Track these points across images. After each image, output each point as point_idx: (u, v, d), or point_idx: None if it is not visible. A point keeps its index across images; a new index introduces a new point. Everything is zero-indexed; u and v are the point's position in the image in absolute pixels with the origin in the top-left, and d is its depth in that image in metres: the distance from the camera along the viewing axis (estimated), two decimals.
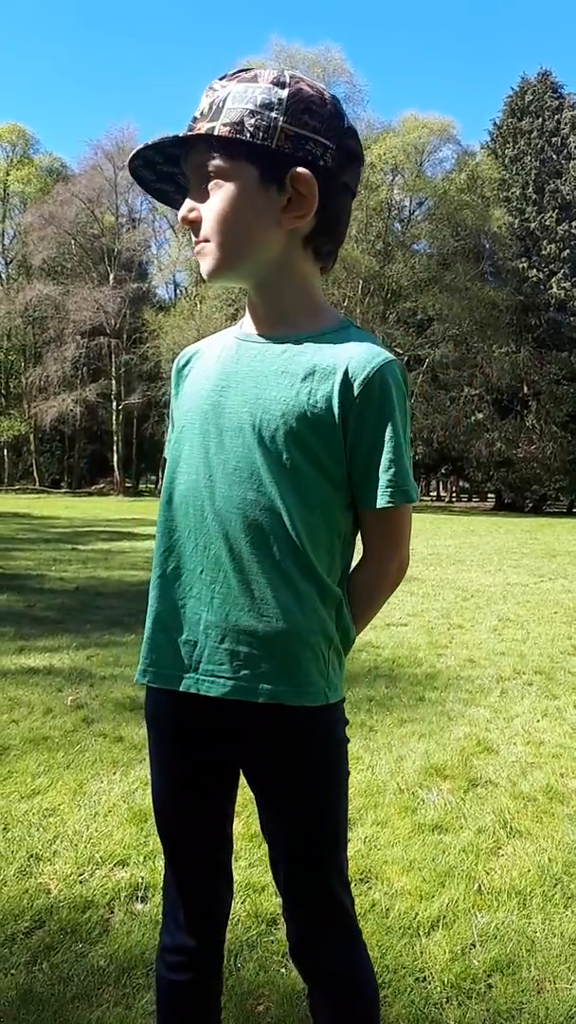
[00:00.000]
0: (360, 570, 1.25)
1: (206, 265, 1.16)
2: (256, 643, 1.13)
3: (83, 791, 2.87)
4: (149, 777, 1.32)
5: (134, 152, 1.14)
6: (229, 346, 1.23)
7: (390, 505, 1.15)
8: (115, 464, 41.10)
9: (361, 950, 1.28)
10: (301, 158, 1.10)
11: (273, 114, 1.08)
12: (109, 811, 2.70)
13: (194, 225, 1.15)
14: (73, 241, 41.53)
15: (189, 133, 1.11)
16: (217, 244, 1.13)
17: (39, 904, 2.13)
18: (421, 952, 1.98)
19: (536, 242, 34.68)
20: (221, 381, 1.18)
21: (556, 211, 34.43)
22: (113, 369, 40.41)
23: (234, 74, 1.13)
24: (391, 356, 1.15)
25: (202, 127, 1.10)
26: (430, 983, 1.87)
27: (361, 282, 33.35)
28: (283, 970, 1.89)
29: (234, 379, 1.17)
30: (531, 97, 36.43)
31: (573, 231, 34.06)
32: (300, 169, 1.10)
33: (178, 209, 1.24)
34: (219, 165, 1.10)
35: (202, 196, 1.13)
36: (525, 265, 34.30)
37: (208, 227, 1.13)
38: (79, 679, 4.42)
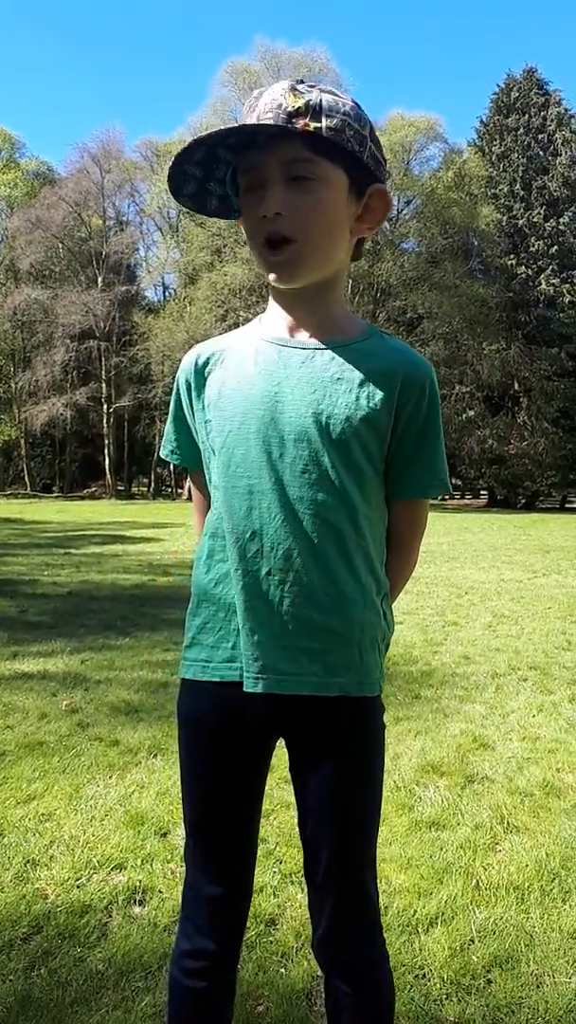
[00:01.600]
0: (390, 560, 1.31)
1: (292, 266, 1.16)
2: (328, 638, 1.18)
3: (79, 795, 2.86)
4: (180, 776, 1.32)
5: (233, 127, 1.08)
6: (265, 350, 1.23)
7: (434, 495, 1.28)
8: (107, 467, 41.02)
9: (383, 945, 1.31)
10: (376, 177, 1.19)
11: (363, 131, 1.14)
12: (106, 815, 2.69)
13: (276, 221, 1.13)
14: (61, 245, 41.37)
15: (299, 127, 1.08)
16: (308, 243, 1.15)
17: (36, 909, 2.13)
18: (420, 949, 1.98)
19: (524, 239, 34.77)
20: (272, 387, 1.19)
21: (544, 207, 34.53)
22: (103, 372, 40.25)
23: (305, 82, 1.12)
24: (430, 364, 1.25)
25: (308, 125, 1.08)
26: (429, 979, 1.87)
27: (350, 281, 33.32)
28: (282, 970, 1.89)
29: (287, 385, 1.19)
30: (517, 94, 36.52)
31: (561, 227, 34.19)
32: (382, 187, 1.20)
33: (192, 205, 1.23)
34: (320, 167, 1.12)
35: (287, 194, 1.12)
36: (514, 262, 34.39)
37: (298, 227, 1.13)
38: (73, 683, 4.41)
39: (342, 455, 1.17)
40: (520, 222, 34.79)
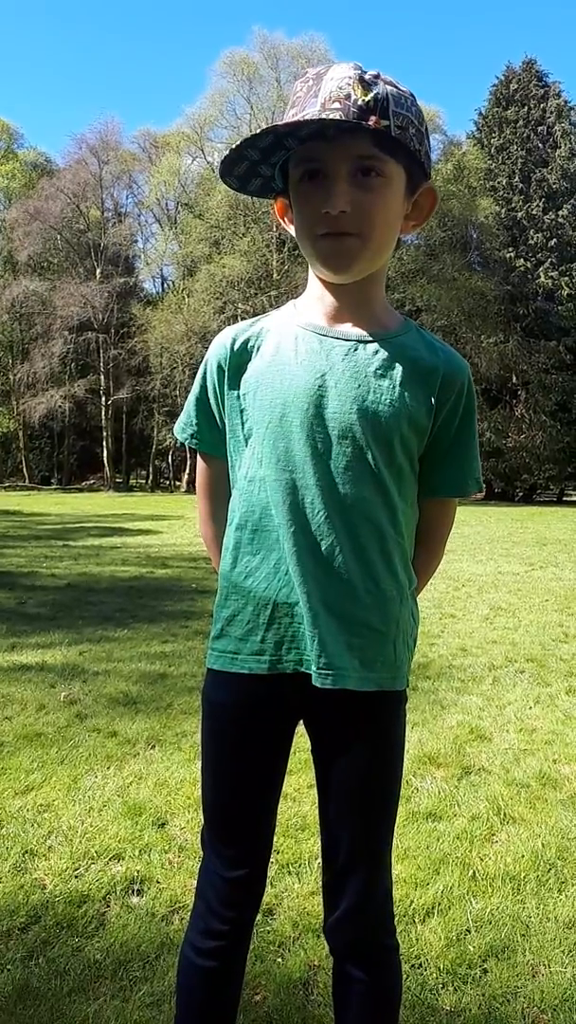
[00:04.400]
0: (418, 556, 1.31)
1: (349, 260, 1.15)
2: (367, 634, 1.19)
3: (77, 786, 2.87)
4: (202, 762, 1.33)
5: (312, 120, 1.05)
6: (306, 339, 1.21)
7: (469, 494, 1.29)
8: (105, 460, 40.95)
9: (395, 933, 1.33)
10: (426, 175, 1.19)
11: (422, 128, 1.14)
12: (104, 806, 2.70)
13: (343, 216, 1.11)
14: (59, 236, 41.18)
15: (371, 125, 1.06)
16: (369, 240, 1.14)
17: (34, 900, 2.13)
18: (417, 939, 1.99)
19: (523, 231, 34.67)
20: (316, 379, 1.18)
21: (543, 200, 34.42)
22: (101, 364, 40.14)
23: (367, 71, 1.09)
24: (467, 362, 1.26)
25: (379, 122, 1.06)
26: (426, 969, 1.88)
27: None
28: (279, 960, 1.90)
29: (331, 378, 1.18)
30: (516, 86, 36.35)
31: (560, 220, 34.07)
32: (431, 185, 1.20)
33: (236, 185, 1.20)
34: (386, 165, 1.11)
35: (353, 191, 1.10)
36: (512, 255, 34.30)
37: (364, 223, 1.12)
38: (72, 675, 4.41)
39: (385, 452, 1.17)
40: (519, 215, 34.69)
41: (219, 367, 1.27)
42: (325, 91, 1.07)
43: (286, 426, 1.18)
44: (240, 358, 1.25)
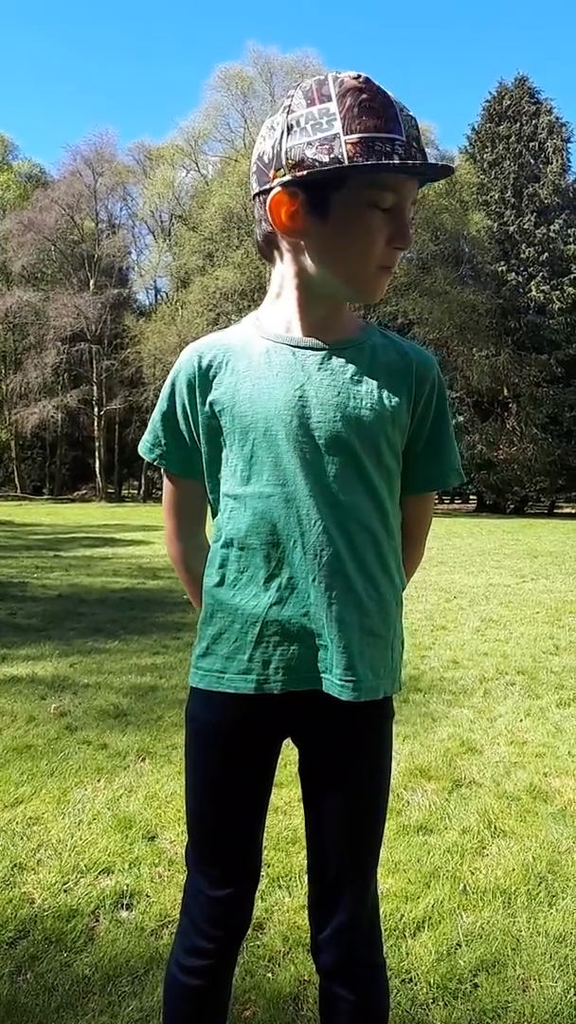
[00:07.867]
0: (404, 553, 1.31)
1: (383, 288, 1.19)
2: (375, 641, 1.19)
3: (67, 799, 2.85)
4: (186, 780, 1.30)
5: (441, 165, 1.07)
6: (279, 352, 1.20)
7: (451, 485, 1.30)
8: (97, 470, 40.95)
9: (382, 950, 1.32)
10: None
11: None
12: (93, 819, 2.68)
13: (399, 253, 1.17)
14: (53, 247, 41.30)
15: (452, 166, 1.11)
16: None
17: (23, 914, 2.12)
18: (407, 953, 1.98)
19: (515, 246, 34.88)
20: (295, 391, 1.17)
21: (534, 215, 34.67)
22: (94, 375, 40.20)
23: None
24: (433, 355, 1.28)
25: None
26: (416, 984, 1.88)
27: None
28: (269, 975, 1.89)
29: (310, 388, 1.17)
30: (509, 102, 36.65)
31: (551, 235, 34.30)
32: None
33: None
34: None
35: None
36: (504, 269, 34.50)
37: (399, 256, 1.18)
38: (62, 687, 4.39)
39: (373, 457, 1.18)
40: (511, 229, 34.92)
41: (188, 385, 1.24)
42: (401, 120, 1.07)
43: (271, 440, 1.17)
44: (210, 375, 1.22)
